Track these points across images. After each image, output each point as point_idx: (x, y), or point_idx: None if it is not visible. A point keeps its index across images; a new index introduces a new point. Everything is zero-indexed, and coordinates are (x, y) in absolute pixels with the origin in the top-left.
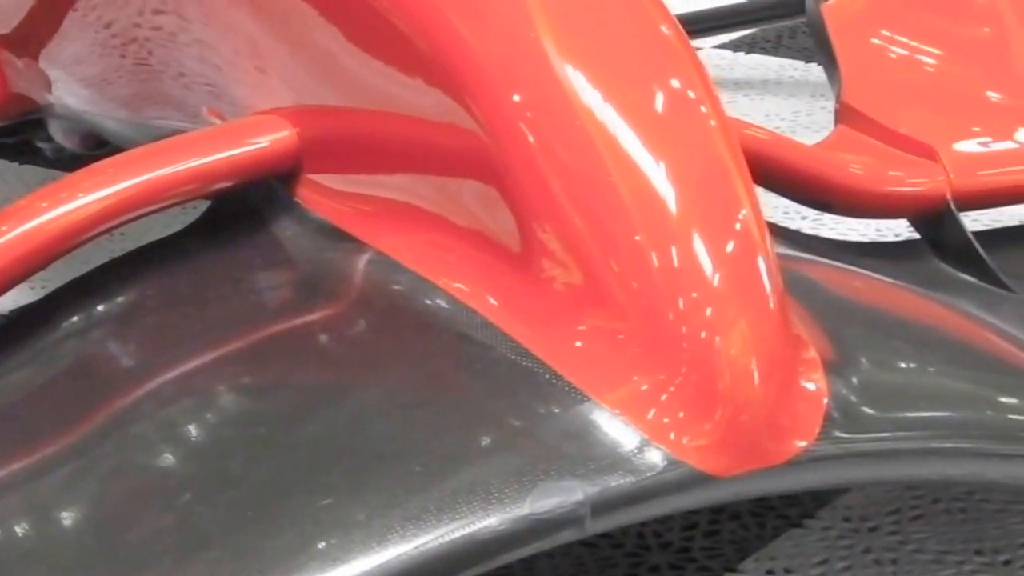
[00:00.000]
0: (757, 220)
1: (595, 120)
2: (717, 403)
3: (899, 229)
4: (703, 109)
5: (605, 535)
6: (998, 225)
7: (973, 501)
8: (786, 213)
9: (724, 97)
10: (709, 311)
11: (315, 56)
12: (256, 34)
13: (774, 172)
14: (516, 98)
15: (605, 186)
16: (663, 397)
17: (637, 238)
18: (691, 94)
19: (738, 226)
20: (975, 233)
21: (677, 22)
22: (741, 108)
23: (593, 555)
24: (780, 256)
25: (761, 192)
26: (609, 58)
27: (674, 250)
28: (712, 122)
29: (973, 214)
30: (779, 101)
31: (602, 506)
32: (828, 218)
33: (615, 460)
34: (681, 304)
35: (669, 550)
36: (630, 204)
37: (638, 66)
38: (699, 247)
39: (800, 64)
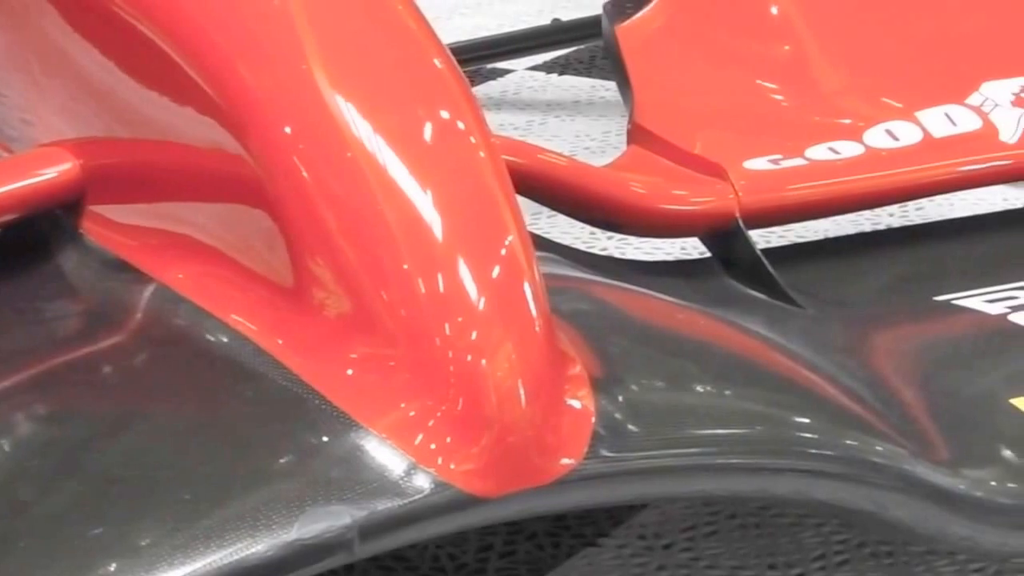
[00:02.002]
0: (523, 245)
1: (365, 152)
2: (484, 425)
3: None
4: (472, 140)
5: (400, 558)
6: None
7: (767, 516)
8: (592, 234)
9: (536, 118)
10: (475, 335)
11: (92, 87)
12: (35, 67)
13: (564, 195)
14: (287, 130)
15: (374, 217)
16: (430, 422)
17: (405, 266)
18: (460, 125)
19: (503, 251)
20: (764, 250)
21: (450, 55)
22: (552, 129)
23: None
24: (555, 277)
25: None
26: (380, 91)
27: (440, 277)
28: (480, 152)
29: (773, 230)
30: (590, 122)
31: (370, 529)
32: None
33: (383, 485)
34: (447, 329)
35: (464, 571)
36: (398, 233)
37: (408, 99)
38: (465, 273)
39: (612, 84)
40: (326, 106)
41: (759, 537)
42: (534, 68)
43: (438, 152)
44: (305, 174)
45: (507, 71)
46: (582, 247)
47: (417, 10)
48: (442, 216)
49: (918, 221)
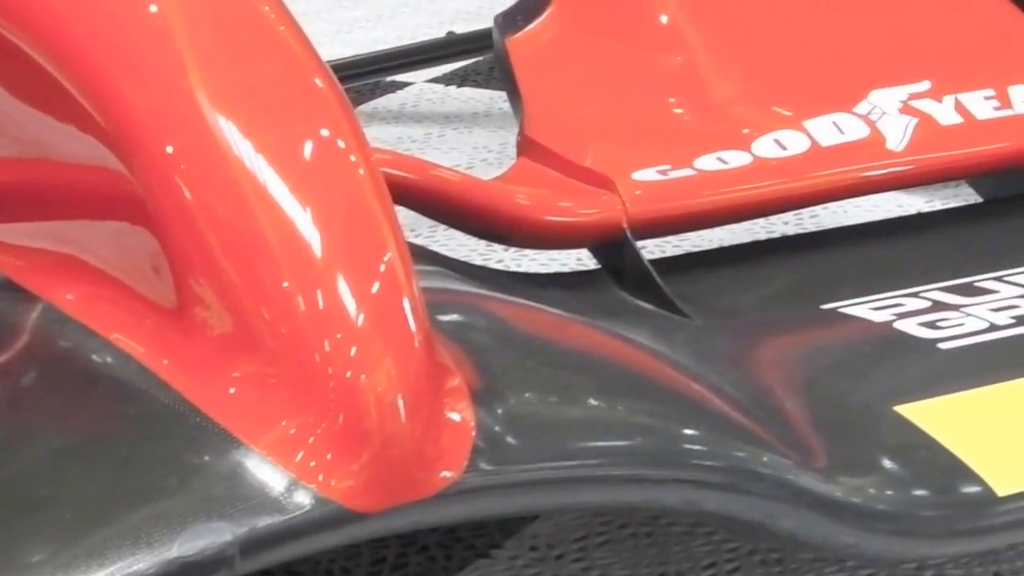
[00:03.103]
0: (402, 261)
1: (246, 171)
2: (364, 441)
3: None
4: (351, 158)
5: (293, 573)
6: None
7: (659, 525)
8: (489, 246)
9: (434, 131)
10: (354, 351)
11: None
12: None
13: (452, 209)
14: (169, 150)
15: (254, 235)
16: (311, 439)
17: (284, 284)
18: (340, 144)
19: (383, 268)
20: (657, 260)
21: (331, 74)
22: (450, 141)
23: None
24: (439, 291)
25: None
26: (261, 110)
27: (320, 294)
28: (360, 170)
29: (669, 239)
30: (488, 133)
31: (251, 546)
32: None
33: (263, 501)
34: (327, 346)
35: None
36: (278, 252)
37: (289, 118)
38: (344, 290)
39: None
40: (208, 125)
41: (650, 546)
42: (433, 80)
43: (318, 171)
44: (187, 194)
45: (406, 84)
46: (479, 259)
47: (299, 30)
48: (321, 234)
49: (813, 229)
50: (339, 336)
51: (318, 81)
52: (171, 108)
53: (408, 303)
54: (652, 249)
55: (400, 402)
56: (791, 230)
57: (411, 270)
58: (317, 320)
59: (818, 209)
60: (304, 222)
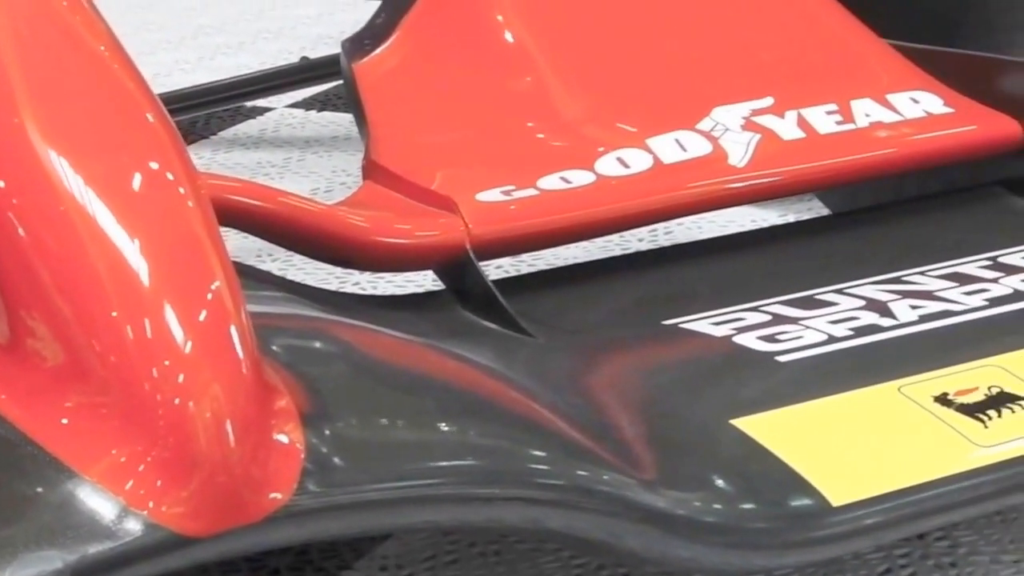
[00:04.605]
0: (230, 289)
1: (76, 205)
2: (193, 466)
3: None
4: (180, 190)
5: None
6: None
7: (508, 543)
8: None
9: (294, 155)
10: (182, 378)
11: None
12: None
13: (295, 234)
14: (0, 184)
15: (84, 267)
16: (141, 466)
17: (114, 314)
18: (169, 176)
19: (210, 296)
20: (506, 279)
21: (162, 107)
22: (309, 166)
23: None
24: (275, 316)
25: None
26: (91, 145)
27: (147, 322)
28: (189, 202)
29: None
30: (347, 157)
31: (82, 573)
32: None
33: (94, 529)
34: (155, 373)
35: None
36: (107, 283)
37: (119, 152)
38: (171, 319)
39: None
40: (38, 160)
41: (498, 564)
42: (294, 105)
43: (147, 203)
44: (20, 229)
45: (268, 109)
46: (336, 282)
47: (131, 64)
48: (150, 265)
49: (667, 244)
50: (167, 364)
51: (149, 116)
52: (2, 143)
53: (235, 329)
54: (508, 268)
55: (228, 427)
56: (645, 246)
57: (239, 297)
58: (145, 349)
59: (672, 225)
60: (133, 253)
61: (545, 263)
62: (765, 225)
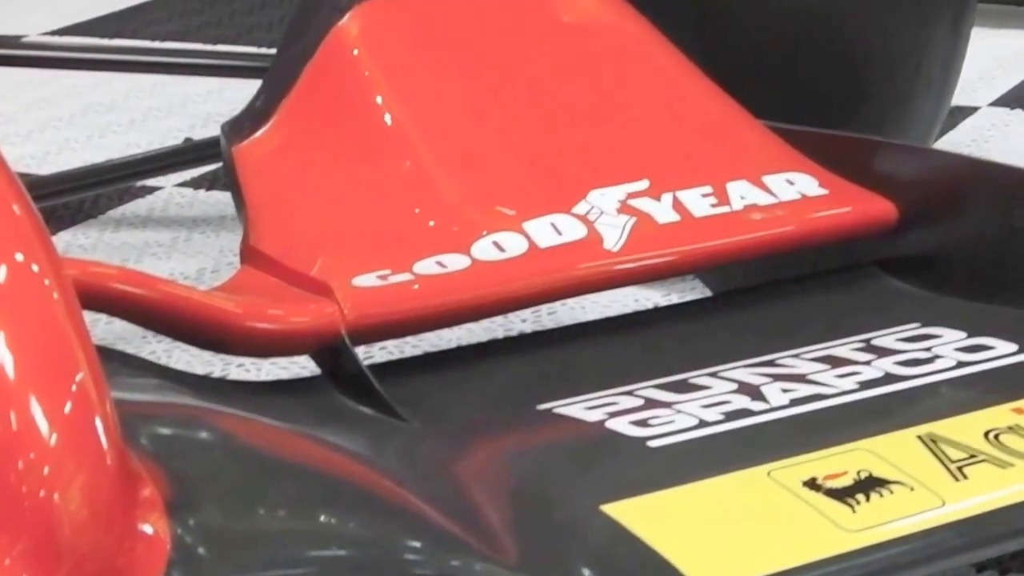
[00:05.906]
0: (95, 381)
1: None
2: (58, 558)
3: None
4: (45, 282)
5: None
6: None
7: None
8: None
9: (181, 235)
10: (47, 470)
11: None
12: None
13: (170, 320)
14: None
15: None
16: (7, 560)
17: None
18: (34, 268)
19: (74, 388)
20: (386, 363)
21: (28, 197)
22: (196, 245)
23: None
24: (144, 404)
25: None
26: None
27: (12, 416)
28: (54, 294)
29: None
30: (234, 236)
31: None
32: None
33: None
34: (20, 466)
35: None
36: None
37: None
38: (36, 411)
39: None
40: None
41: None
42: (183, 184)
43: (11, 296)
44: None
45: (156, 188)
46: (219, 362)
47: None
48: (15, 357)
49: (551, 326)
50: (32, 456)
51: (15, 207)
52: None
53: (100, 420)
54: (392, 350)
55: (93, 518)
56: (528, 327)
57: (104, 388)
58: (10, 442)
59: (556, 306)
60: None
61: (430, 344)
62: (648, 305)
